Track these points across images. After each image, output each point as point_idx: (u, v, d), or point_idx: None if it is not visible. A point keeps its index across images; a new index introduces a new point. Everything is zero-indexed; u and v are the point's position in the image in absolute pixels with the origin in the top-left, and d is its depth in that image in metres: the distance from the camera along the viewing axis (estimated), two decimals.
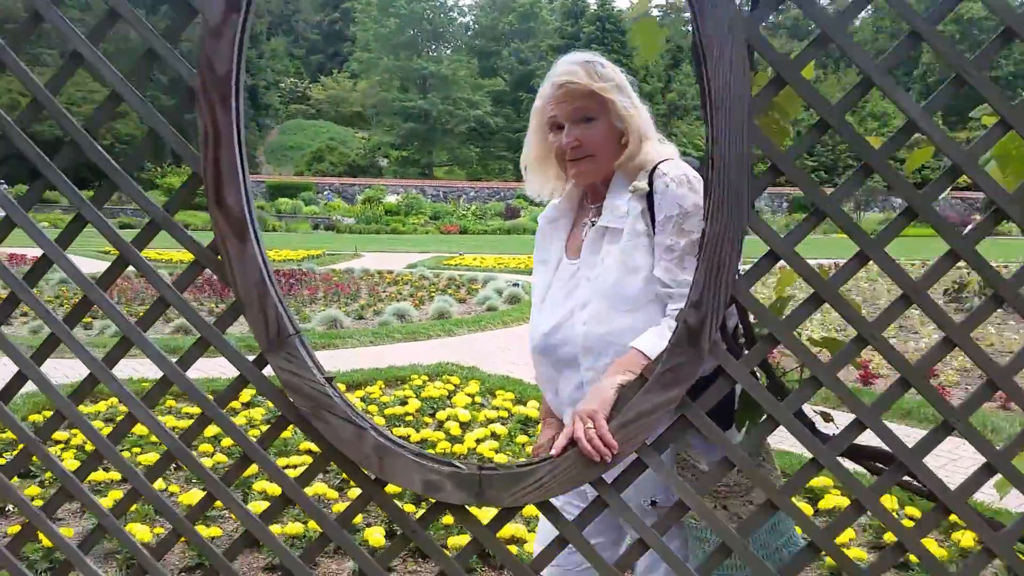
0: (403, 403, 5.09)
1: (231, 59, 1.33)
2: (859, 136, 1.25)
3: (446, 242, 25.23)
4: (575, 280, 1.60)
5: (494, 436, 4.40)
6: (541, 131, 1.65)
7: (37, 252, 1.52)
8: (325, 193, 39.90)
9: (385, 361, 6.76)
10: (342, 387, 5.39)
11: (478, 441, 4.23)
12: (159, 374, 1.47)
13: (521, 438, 4.32)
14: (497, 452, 4.05)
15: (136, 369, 6.15)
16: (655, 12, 79.29)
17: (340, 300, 10.24)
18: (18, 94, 40.06)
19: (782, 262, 1.31)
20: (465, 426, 4.65)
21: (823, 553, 1.33)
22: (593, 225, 1.62)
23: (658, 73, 53.77)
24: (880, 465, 1.41)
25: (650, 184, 1.54)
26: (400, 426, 4.67)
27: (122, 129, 42.20)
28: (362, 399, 5.23)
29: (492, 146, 55.76)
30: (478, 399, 5.29)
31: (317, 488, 3.37)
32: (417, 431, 4.47)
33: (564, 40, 52.14)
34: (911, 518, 3.23)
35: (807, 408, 1.39)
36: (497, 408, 5.00)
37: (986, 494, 3.24)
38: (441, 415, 4.79)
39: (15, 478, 2.37)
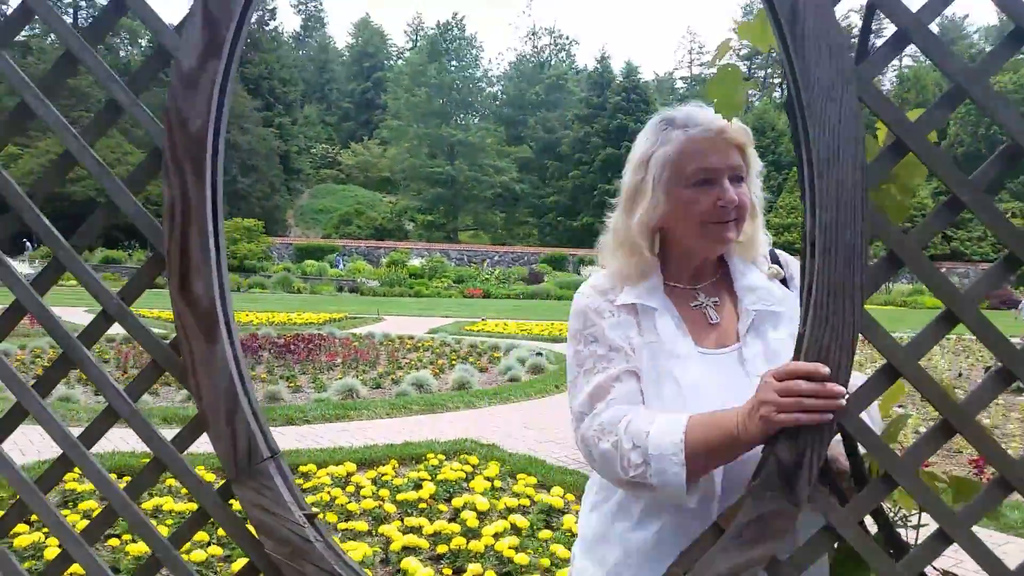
0: (417, 486, 4.72)
1: (207, 114, 1.07)
2: (1002, 216, 0.96)
3: (469, 306, 25.02)
4: (742, 371, 1.27)
5: (514, 529, 4.02)
6: (669, 186, 1.30)
7: (56, 311, 1.25)
8: (335, 256, 39.96)
9: (401, 435, 6.42)
10: (352, 467, 5.05)
11: (497, 536, 3.85)
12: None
13: (544, 533, 3.94)
14: (518, 550, 3.67)
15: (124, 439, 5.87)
16: (679, 84, 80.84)
17: (359, 367, 9.96)
18: (56, 155, 41.06)
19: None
20: (483, 515, 4.27)
21: None
22: (741, 310, 1.34)
23: None
24: None
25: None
26: (413, 514, 4.31)
27: (153, 190, 43.01)
28: (374, 480, 4.88)
29: (517, 211, 56.20)
30: (498, 483, 4.92)
31: None
32: (431, 521, 4.10)
33: (591, 110, 52.98)
34: None
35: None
36: (518, 495, 4.63)
37: None
38: (457, 502, 4.42)
39: None
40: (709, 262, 1.38)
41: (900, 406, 6.81)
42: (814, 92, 0.97)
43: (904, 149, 0.98)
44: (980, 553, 0.97)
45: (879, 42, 1.02)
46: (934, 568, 1.12)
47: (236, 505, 1.15)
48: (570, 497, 4.67)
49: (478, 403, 8.03)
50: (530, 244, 51.83)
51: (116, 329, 13.65)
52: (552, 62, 69.97)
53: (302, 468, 5.04)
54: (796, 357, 1.03)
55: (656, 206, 1.31)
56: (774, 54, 1.02)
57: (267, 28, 64.37)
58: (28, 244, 38.33)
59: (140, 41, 59.04)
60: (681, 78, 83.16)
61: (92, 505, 4.14)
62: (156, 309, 19.56)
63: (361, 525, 3.99)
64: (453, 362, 10.70)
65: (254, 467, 1.08)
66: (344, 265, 38.28)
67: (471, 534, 3.97)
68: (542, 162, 56.27)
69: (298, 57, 75.04)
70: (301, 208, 57.20)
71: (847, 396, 1.00)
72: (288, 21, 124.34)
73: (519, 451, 5.98)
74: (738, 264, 1.38)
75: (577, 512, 4.47)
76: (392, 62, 78.23)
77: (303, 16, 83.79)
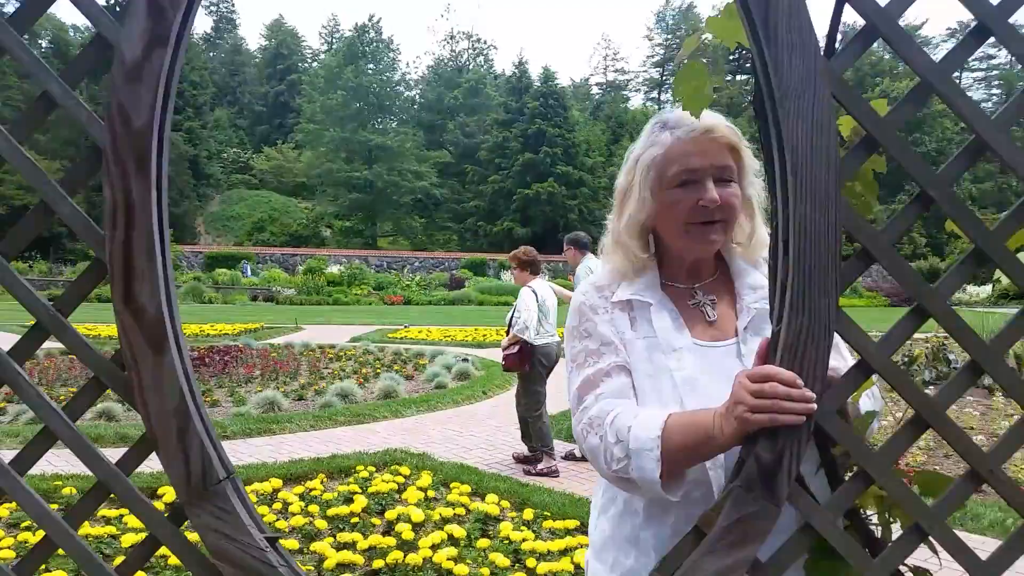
0: (348, 500, 4.60)
1: (152, 109, 0.99)
2: (971, 213, 0.98)
3: (390, 313, 24.70)
4: (740, 365, 1.25)
5: (451, 539, 3.96)
6: (654, 187, 1.30)
7: None
8: (243, 264, 38.72)
9: (328, 448, 6.25)
10: (278, 482, 4.88)
11: (434, 547, 3.79)
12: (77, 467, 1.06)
13: (482, 542, 3.89)
14: (456, 561, 3.61)
15: (50, 463, 5.51)
16: (594, 90, 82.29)
17: (279, 379, 9.65)
18: None
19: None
20: (418, 527, 4.19)
21: None
22: (742, 307, 1.33)
23: (600, 147, 55.18)
24: None
25: None
26: (345, 529, 4.19)
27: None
28: (302, 496, 4.71)
29: (437, 216, 55.92)
30: (431, 492, 4.84)
31: None
32: (365, 536, 3.99)
33: (509, 115, 53.26)
34: None
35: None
36: (452, 504, 4.57)
37: None
38: (391, 514, 4.31)
39: None
40: (705, 261, 1.36)
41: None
42: (788, 86, 0.97)
43: (875, 145, 1.00)
44: (955, 546, 0.98)
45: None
46: (905, 565, 1.14)
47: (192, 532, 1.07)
48: (505, 504, 4.64)
49: (406, 412, 7.90)
50: (450, 249, 51.63)
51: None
52: (471, 66, 70.05)
53: None
54: (772, 355, 1.03)
55: (642, 207, 1.32)
56: (744, 50, 1.01)
57: None
58: None
59: (40, 42, 55.79)
60: (596, 84, 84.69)
61: (29, 538, 3.85)
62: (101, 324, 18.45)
63: (291, 543, 3.85)
64: (378, 371, 10.52)
65: (210, 489, 1.00)
66: (252, 273, 37.15)
67: (407, 547, 3.89)
68: (461, 167, 56.20)
69: (209, 59, 72.49)
70: (211, 215, 55.21)
71: (824, 393, 1.00)
72: (199, 22, 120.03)
73: (450, 459, 5.91)
74: (739, 263, 1.37)
75: (513, 519, 4.46)
76: (307, 64, 76.59)
77: (214, 17, 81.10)
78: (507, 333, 5.93)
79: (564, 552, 3.84)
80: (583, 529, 4.29)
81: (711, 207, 1.25)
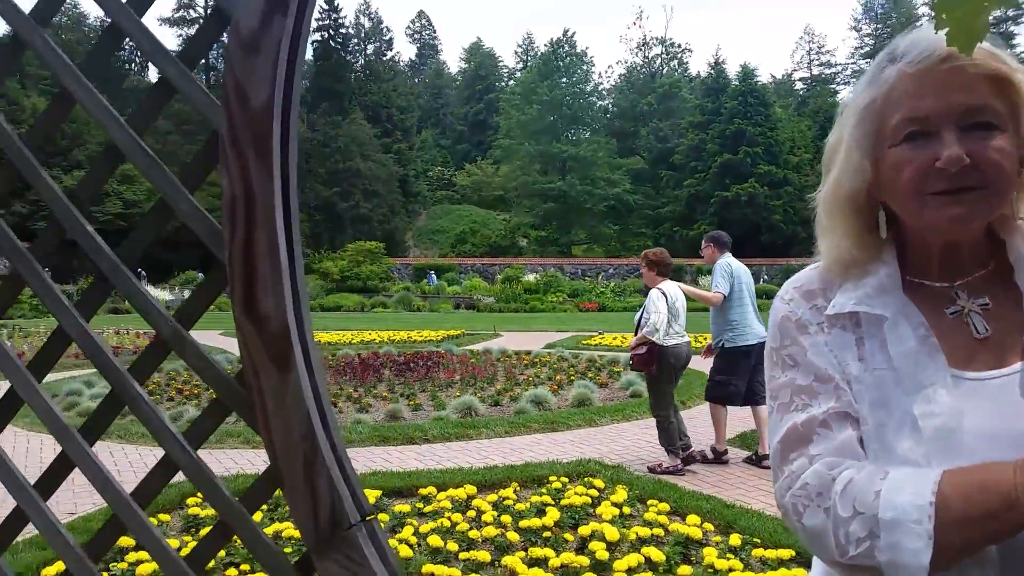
0: (541, 512, 4.46)
1: (272, 84, 0.85)
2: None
3: (585, 320, 24.64)
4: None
5: (649, 563, 3.67)
6: (870, 144, 0.94)
7: (192, 334, 1.09)
8: (428, 274, 40.46)
9: (522, 455, 6.19)
10: (472, 489, 4.85)
11: (630, 571, 3.52)
12: None
13: (684, 568, 3.56)
14: None
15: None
16: (798, 85, 77.39)
17: (476, 384, 9.84)
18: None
19: None
20: (613, 546, 3.95)
21: None
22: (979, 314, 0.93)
23: (806, 144, 51.71)
24: None
25: None
26: (538, 543, 4.04)
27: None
28: (495, 504, 4.65)
29: (631, 223, 55.29)
30: (627, 509, 4.57)
31: None
32: (557, 552, 3.81)
33: (705, 116, 51.49)
34: None
35: None
36: (650, 523, 4.26)
37: None
38: (584, 529, 4.11)
39: None
40: (968, 246, 0.94)
41: None
42: None
43: None
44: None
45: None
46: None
47: None
48: (708, 527, 4.27)
49: (599, 420, 7.69)
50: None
51: None
52: (664, 71, 68.77)
53: (422, 491, 4.88)
54: None
55: (854, 172, 0.94)
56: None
57: (384, 58, 66.90)
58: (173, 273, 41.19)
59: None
60: (800, 79, 79.65)
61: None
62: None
63: (483, 555, 3.76)
64: (572, 377, 10.40)
65: (339, 535, 0.84)
66: (435, 281, 38.93)
67: (601, 568, 3.66)
68: (655, 172, 55.15)
69: (414, 84, 77.47)
70: (419, 229, 58.72)
71: None
72: (404, 50, 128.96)
73: (646, 473, 5.61)
74: (1018, 247, 0.93)
75: (718, 544, 4.08)
76: (503, 83, 79.31)
77: (418, 44, 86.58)
78: (635, 334, 5.84)
79: None
80: (800, 561, 3.82)
81: (954, 169, 0.85)
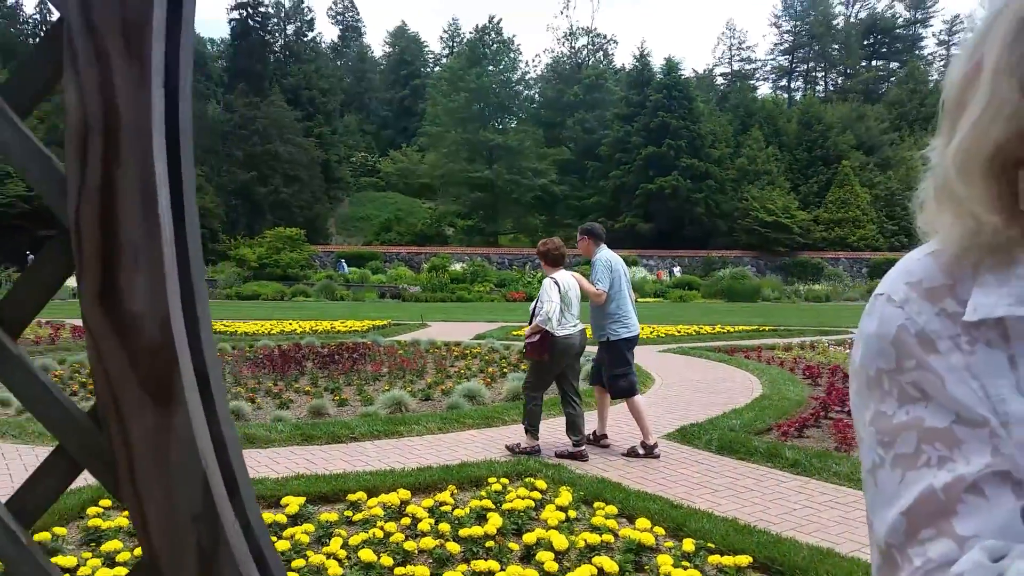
0: (481, 518, 4.13)
1: None
2: None
3: (513, 310, 24.43)
4: None
5: (602, 574, 3.40)
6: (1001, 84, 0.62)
7: None
8: (338, 262, 39.86)
9: (457, 453, 5.86)
10: (406, 493, 4.48)
11: None
12: None
13: None
14: None
15: None
16: (719, 80, 79.14)
17: (406, 377, 9.42)
18: None
19: None
20: (561, 555, 3.66)
21: None
22: None
23: (727, 138, 52.92)
24: None
25: None
26: (480, 554, 3.71)
27: (198, 202, 43.44)
28: (431, 510, 4.29)
29: (557, 213, 55.49)
30: (572, 512, 4.29)
31: None
32: (502, 565, 3.50)
33: (630, 108, 51.99)
34: None
35: None
36: (599, 529, 4.00)
37: None
38: (529, 537, 3.81)
39: None
40: None
41: None
42: None
43: None
44: None
45: None
46: None
47: None
48: (660, 531, 4.03)
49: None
50: (571, 247, 51.01)
51: None
52: (590, 62, 69.10)
53: (351, 496, 4.48)
54: None
55: (999, 113, 0.62)
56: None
57: (306, 39, 64.81)
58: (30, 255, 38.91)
59: None
60: (722, 74, 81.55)
61: (117, 545, 3.64)
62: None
63: (422, 570, 3.41)
64: (504, 370, 10.11)
65: None
66: (346, 269, 38.25)
67: None
68: (582, 163, 55.42)
69: (336, 67, 75.43)
70: (342, 216, 57.34)
71: None
72: (326, 31, 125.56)
73: (588, 471, 5.36)
74: None
75: (671, 550, 3.85)
76: (429, 69, 78.19)
77: (341, 27, 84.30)
78: (530, 322, 5.88)
79: None
80: (759, 567, 3.62)
81: None
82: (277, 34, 62.85)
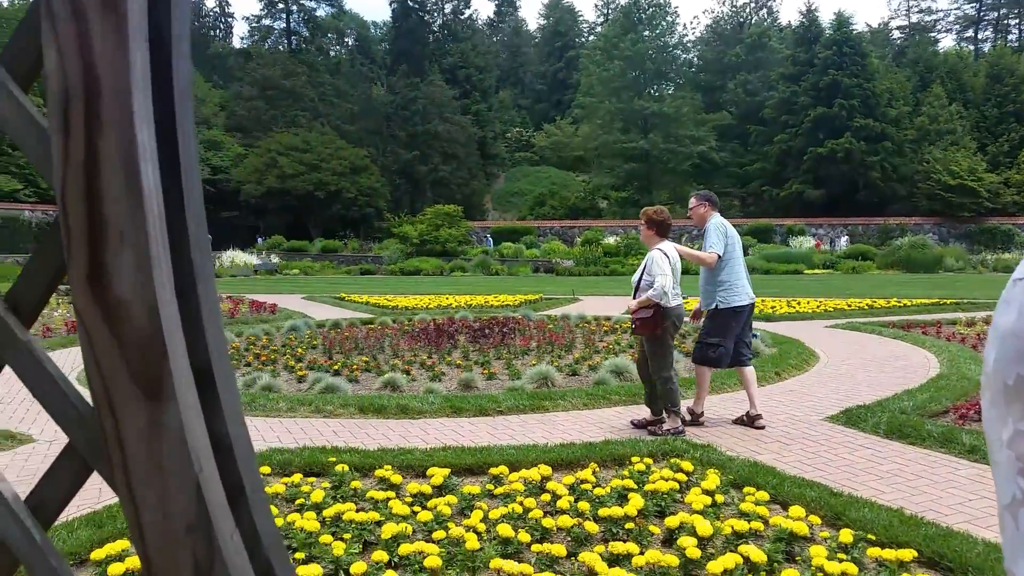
0: (623, 498, 4.04)
1: None
2: None
3: None
4: None
5: (748, 565, 3.21)
6: None
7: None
8: (486, 238, 40.23)
9: (601, 431, 5.79)
10: (547, 469, 4.46)
11: (727, 574, 3.07)
12: None
13: (789, 572, 3.09)
14: None
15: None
16: (895, 34, 72.39)
17: (554, 352, 9.45)
18: (276, 153, 44.82)
19: None
20: (705, 541, 3.50)
21: None
22: None
23: (905, 96, 48.46)
24: None
25: None
26: (619, 535, 3.63)
27: (364, 182, 45.80)
28: (571, 488, 4.26)
29: (716, 182, 53.35)
30: (719, 497, 4.10)
31: None
32: (641, 548, 3.40)
33: (797, 68, 48.85)
34: None
35: None
36: (747, 515, 3.79)
37: None
38: (671, 521, 3.67)
39: None
40: None
41: None
42: None
43: None
44: None
45: None
46: None
47: None
48: (815, 520, 3.76)
49: (686, 393, 7.16)
50: (732, 216, 48.92)
51: (326, 314, 14.28)
52: (752, 21, 65.46)
53: (493, 470, 4.54)
54: None
55: None
56: None
57: (462, 17, 66.09)
58: (259, 238, 42.42)
59: (346, 40, 62.86)
60: (898, 27, 74.57)
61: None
62: (376, 294, 20.46)
63: (559, 548, 3.38)
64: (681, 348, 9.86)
65: None
66: (491, 244, 38.79)
67: (691, 567, 3.23)
68: (743, 128, 52.85)
69: (492, 43, 76.48)
70: (498, 192, 58.40)
71: None
72: (482, 8, 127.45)
73: (740, 453, 5.10)
74: None
75: (826, 541, 3.58)
76: (583, 39, 77.35)
77: (496, 2, 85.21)
78: (633, 296, 5.73)
79: None
80: (926, 562, 3.29)
81: None
82: (435, 14, 64.53)
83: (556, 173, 58.56)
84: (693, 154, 50.73)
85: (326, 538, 3.46)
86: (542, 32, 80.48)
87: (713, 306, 5.91)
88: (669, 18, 56.76)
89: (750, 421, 5.98)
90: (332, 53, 65.91)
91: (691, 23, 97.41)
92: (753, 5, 67.84)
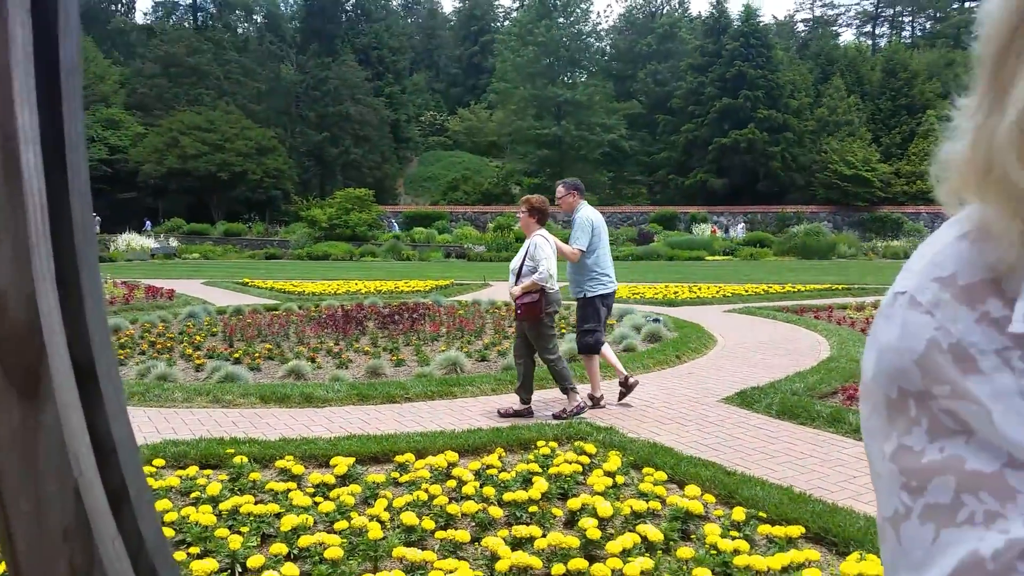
0: (526, 482, 4.10)
1: None
2: None
3: None
4: None
5: (645, 543, 3.31)
6: None
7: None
8: (386, 221, 39.91)
9: (509, 415, 5.83)
10: (454, 456, 4.47)
11: (625, 553, 3.16)
12: None
13: (684, 550, 3.20)
14: None
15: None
16: (800, 27, 75.60)
17: (463, 338, 9.45)
18: (178, 133, 42.94)
19: None
20: (605, 522, 3.59)
21: None
22: None
23: (807, 88, 50.64)
24: None
25: None
26: (523, 518, 3.68)
27: (271, 163, 44.43)
28: (477, 473, 4.28)
29: (626, 170, 54.49)
30: (620, 478, 4.21)
31: None
32: (544, 531, 3.45)
33: (705, 58, 50.23)
34: None
35: None
36: (646, 495, 3.91)
37: None
38: (573, 503, 3.75)
39: None
40: None
41: None
42: None
43: None
44: None
45: None
46: None
47: None
48: (709, 498, 3.92)
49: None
50: (639, 203, 50.16)
51: (228, 301, 13.75)
52: (664, 11, 66.87)
53: (399, 458, 4.51)
54: None
55: None
56: None
57: None
58: (147, 222, 40.53)
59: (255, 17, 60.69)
60: (802, 20, 77.84)
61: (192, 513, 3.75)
62: (271, 279, 19.89)
63: (462, 534, 3.40)
64: (563, 330, 10.02)
65: None
66: (396, 228, 38.69)
67: (592, 547, 3.31)
68: (653, 117, 54.06)
69: (407, 25, 75.31)
70: (410, 176, 57.77)
71: None
72: None
73: (640, 435, 5.25)
74: None
75: (720, 519, 3.73)
76: (499, 24, 77.17)
77: None
78: (514, 282, 5.80)
79: (786, 572, 3.06)
80: (812, 538, 3.47)
81: None
82: None
83: (470, 158, 58.40)
84: (604, 142, 51.54)
85: (222, 532, 3.36)
86: (458, 15, 79.82)
87: (583, 295, 6.08)
88: (584, 5, 57.33)
89: (595, 403, 6.19)
90: (240, 30, 63.50)
91: (605, 11, 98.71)
92: None
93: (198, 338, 9.32)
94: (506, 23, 73.89)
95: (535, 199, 5.99)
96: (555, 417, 5.75)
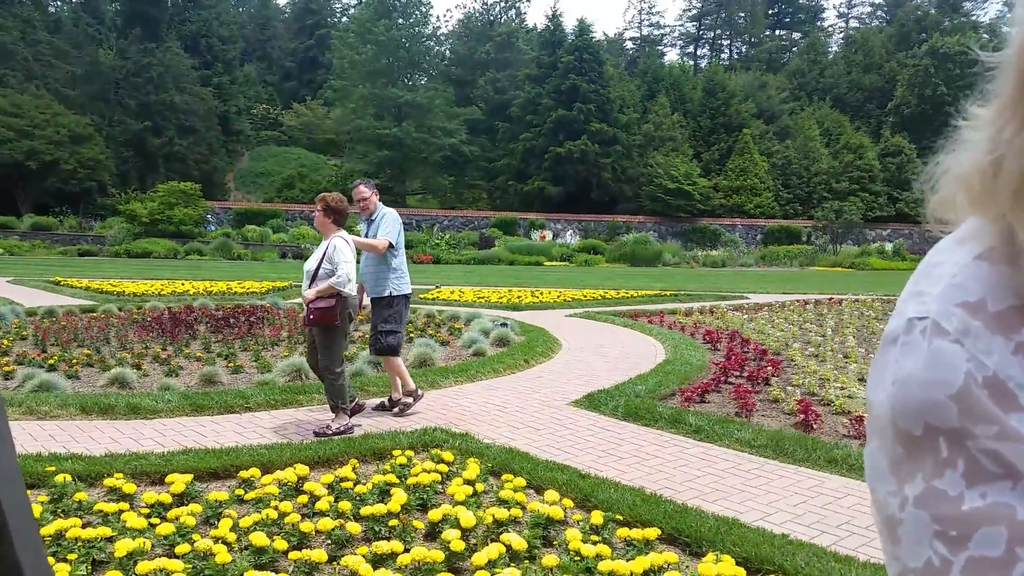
0: (384, 494, 3.95)
1: None
2: None
3: (420, 272, 24.06)
4: None
5: (510, 552, 3.28)
6: None
7: None
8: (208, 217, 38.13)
9: (361, 423, 5.62)
10: (304, 469, 4.23)
11: (491, 564, 3.10)
12: None
13: (548, 559, 3.20)
14: None
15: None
16: (629, 45, 79.80)
17: (306, 342, 9.03)
18: None
19: None
20: (468, 532, 3.52)
21: None
22: None
23: (634, 104, 53.51)
24: None
25: None
26: (383, 533, 3.53)
27: (86, 153, 40.53)
28: (330, 487, 4.07)
29: (466, 175, 54.89)
30: (479, 486, 4.16)
31: None
32: (406, 546, 3.32)
33: (542, 70, 51.67)
34: None
35: None
36: (506, 503, 3.88)
37: None
38: (434, 514, 3.65)
39: None
40: None
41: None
42: None
43: None
44: None
45: None
46: None
47: None
48: (568, 503, 3.96)
49: (443, 382, 7.25)
50: (480, 208, 50.72)
51: (38, 301, 12.35)
52: (502, 20, 68.09)
53: (243, 473, 4.20)
54: None
55: None
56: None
57: None
58: None
59: None
60: (631, 39, 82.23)
61: None
62: (88, 278, 18.24)
63: (319, 554, 3.20)
64: (411, 334, 9.87)
65: None
66: (212, 228, 36.83)
67: (456, 559, 3.23)
68: (492, 123, 54.82)
69: (238, 14, 71.40)
70: (241, 171, 54.82)
71: None
72: None
73: (496, 440, 5.24)
74: None
75: (579, 523, 3.77)
76: (336, 19, 75.13)
77: None
78: (309, 285, 5.40)
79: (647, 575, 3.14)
80: (667, 538, 3.59)
81: None
82: None
83: (306, 155, 56.32)
84: (445, 146, 51.60)
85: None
86: (292, 7, 76.81)
87: (387, 293, 5.94)
88: (423, 7, 57.11)
89: (391, 405, 6.10)
90: (52, 9, 57.42)
91: (444, 15, 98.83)
92: (503, 4, 70.61)
93: (5, 342, 8.28)
94: (343, 19, 72.14)
95: (331, 197, 5.59)
96: (316, 434, 5.26)
